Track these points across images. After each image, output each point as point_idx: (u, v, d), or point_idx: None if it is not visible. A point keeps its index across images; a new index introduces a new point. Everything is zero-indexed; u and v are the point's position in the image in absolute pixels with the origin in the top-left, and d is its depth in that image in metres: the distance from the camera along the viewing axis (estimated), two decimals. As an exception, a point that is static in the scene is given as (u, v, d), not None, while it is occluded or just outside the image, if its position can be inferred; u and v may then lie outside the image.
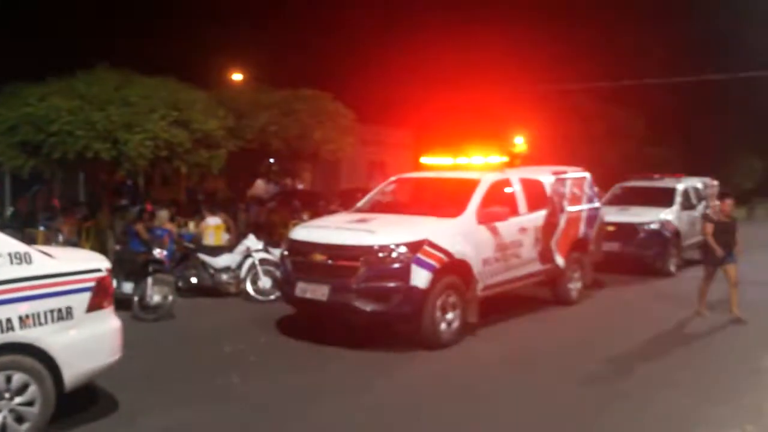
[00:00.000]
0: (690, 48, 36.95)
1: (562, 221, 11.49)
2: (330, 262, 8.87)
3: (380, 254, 8.65)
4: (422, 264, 8.63)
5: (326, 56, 32.83)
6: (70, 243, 13.09)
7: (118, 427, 6.25)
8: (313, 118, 16.29)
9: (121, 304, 9.78)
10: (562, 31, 36.83)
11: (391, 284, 8.57)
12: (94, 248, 12.80)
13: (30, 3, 26.55)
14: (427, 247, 8.72)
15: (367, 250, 8.70)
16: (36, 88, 12.92)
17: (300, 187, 25.72)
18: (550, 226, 11.15)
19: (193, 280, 12.15)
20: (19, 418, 5.66)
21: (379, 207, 10.81)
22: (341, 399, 7.03)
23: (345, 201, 16.91)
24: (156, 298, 10.31)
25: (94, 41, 23.63)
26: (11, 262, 5.67)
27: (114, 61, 13.82)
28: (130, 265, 10.90)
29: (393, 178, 11.78)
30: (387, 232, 8.99)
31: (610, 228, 14.11)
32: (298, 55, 32.04)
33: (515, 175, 11.11)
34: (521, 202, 10.71)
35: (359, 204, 11.19)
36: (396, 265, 8.58)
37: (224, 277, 12.13)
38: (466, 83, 31.66)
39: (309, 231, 9.80)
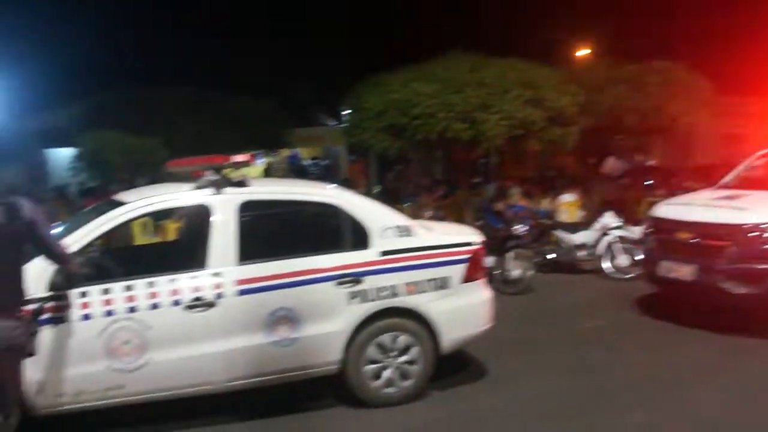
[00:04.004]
0: None
1: None
2: (696, 240, 8.45)
3: (751, 234, 8.06)
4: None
5: (678, 24, 31.01)
6: (435, 218, 13.95)
7: (487, 392, 6.62)
8: (666, 90, 15.58)
9: (483, 277, 10.31)
10: None
11: (765, 266, 7.94)
12: (454, 224, 13.57)
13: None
14: (809, 227, 7.92)
15: (737, 229, 8.15)
16: (398, 75, 13.96)
17: (650, 163, 24.67)
18: None
19: (551, 256, 12.31)
20: (404, 375, 6.26)
21: (747, 183, 9.97)
22: (703, 382, 6.72)
23: (698, 177, 15.87)
24: (516, 273, 10.66)
25: (442, 28, 24.87)
26: (398, 235, 6.29)
27: (465, 45, 14.43)
28: (491, 240, 11.37)
29: (762, 152, 10.83)
30: (760, 210, 8.33)
31: None
32: (646, 26, 30.65)
33: None
34: None
35: (724, 180, 10.48)
36: (769, 246, 7.92)
37: (581, 253, 12.14)
38: None
39: (673, 208, 9.41)
